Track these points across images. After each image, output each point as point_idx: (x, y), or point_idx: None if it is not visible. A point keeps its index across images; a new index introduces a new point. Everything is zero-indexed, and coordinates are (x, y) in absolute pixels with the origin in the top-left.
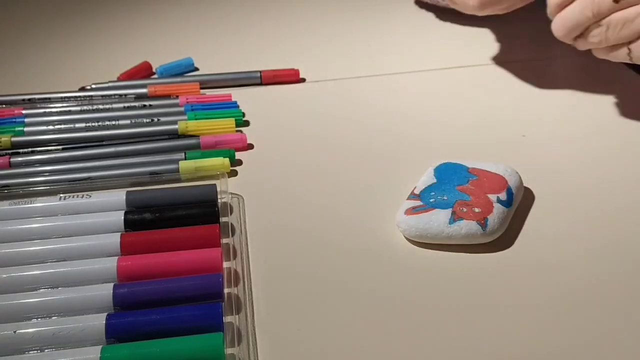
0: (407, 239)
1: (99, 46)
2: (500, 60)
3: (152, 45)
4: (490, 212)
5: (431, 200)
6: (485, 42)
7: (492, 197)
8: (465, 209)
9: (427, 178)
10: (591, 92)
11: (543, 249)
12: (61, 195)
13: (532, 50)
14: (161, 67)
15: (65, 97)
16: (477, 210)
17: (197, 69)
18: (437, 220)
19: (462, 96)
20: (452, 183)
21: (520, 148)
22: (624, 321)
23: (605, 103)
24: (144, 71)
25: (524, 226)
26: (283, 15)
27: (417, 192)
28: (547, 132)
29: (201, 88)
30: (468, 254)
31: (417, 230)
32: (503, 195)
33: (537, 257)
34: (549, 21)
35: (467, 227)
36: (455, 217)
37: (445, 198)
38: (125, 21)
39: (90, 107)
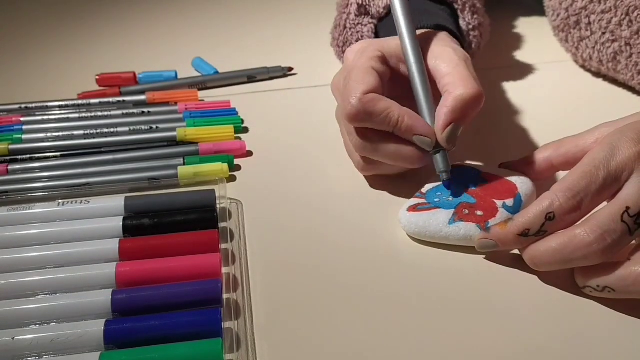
0: (410, 237)
1: (98, 55)
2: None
3: (150, 52)
4: (493, 216)
5: (436, 199)
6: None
7: (499, 202)
8: (467, 211)
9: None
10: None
11: None
12: (60, 201)
13: (531, 54)
14: (143, 73)
15: (63, 105)
16: (479, 213)
17: None
18: (437, 219)
19: None
20: (461, 185)
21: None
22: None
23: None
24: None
25: None
26: (282, 19)
27: (424, 191)
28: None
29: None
30: (470, 255)
31: (417, 227)
32: (510, 202)
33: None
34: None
35: (466, 228)
36: (455, 218)
37: (450, 199)
38: (124, 27)
39: (88, 115)
